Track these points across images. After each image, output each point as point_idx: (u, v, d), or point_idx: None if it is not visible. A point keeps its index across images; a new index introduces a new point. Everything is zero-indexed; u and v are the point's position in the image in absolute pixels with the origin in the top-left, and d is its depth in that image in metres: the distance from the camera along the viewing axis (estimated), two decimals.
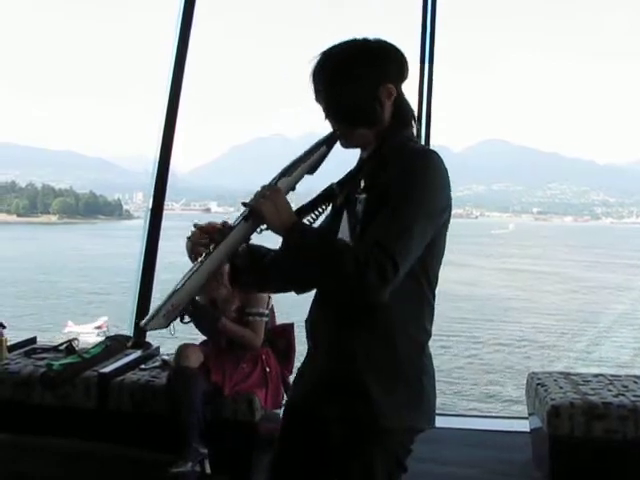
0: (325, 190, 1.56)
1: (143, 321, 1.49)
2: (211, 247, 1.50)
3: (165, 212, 4.03)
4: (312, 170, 1.53)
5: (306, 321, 1.63)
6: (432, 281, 1.53)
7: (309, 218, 1.55)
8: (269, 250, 1.64)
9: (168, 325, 1.48)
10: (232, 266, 1.65)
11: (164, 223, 3.98)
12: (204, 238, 1.53)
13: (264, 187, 1.48)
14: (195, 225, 1.56)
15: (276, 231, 1.45)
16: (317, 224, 1.57)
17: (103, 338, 3.81)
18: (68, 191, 63.60)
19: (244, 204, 1.49)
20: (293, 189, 1.51)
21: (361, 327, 1.48)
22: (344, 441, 1.50)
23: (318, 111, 1.62)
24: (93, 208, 61.74)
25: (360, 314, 1.47)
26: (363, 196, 1.51)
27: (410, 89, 1.62)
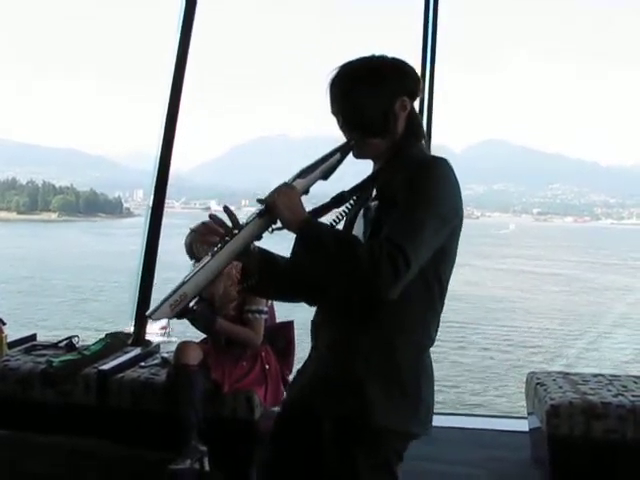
0: (336, 196, 1.58)
1: (148, 311, 1.51)
2: (222, 242, 1.50)
3: (165, 210, 4.03)
4: (326, 176, 1.55)
5: (312, 322, 1.64)
6: (443, 288, 1.55)
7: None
8: (281, 257, 1.65)
9: (174, 316, 1.49)
10: (243, 268, 1.66)
11: (164, 221, 3.98)
12: (213, 236, 1.53)
13: (280, 185, 1.49)
14: (210, 216, 1.56)
15: (289, 227, 1.46)
16: None
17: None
18: (69, 189, 63.55)
19: (259, 200, 1.50)
20: (307, 192, 1.53)
21: (364, 328, 1.49)
22: (334, 441, 1.49)
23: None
24: (93, 206, 61.70)
25: (364, 315, 1.48)
26: (375, 203, 1.54)
27: None
